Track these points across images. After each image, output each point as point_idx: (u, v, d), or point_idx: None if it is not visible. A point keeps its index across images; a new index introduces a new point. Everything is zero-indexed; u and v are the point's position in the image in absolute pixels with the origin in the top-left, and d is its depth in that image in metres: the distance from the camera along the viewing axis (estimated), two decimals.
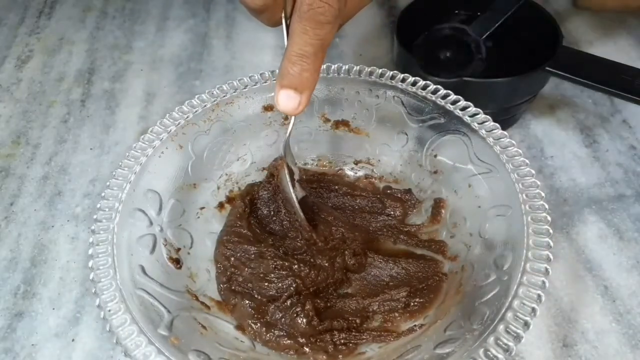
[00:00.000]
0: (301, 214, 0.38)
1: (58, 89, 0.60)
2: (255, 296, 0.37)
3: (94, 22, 0.68)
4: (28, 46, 0.65)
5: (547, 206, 0.31)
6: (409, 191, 0.43)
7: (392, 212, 0.42)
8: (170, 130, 0.39)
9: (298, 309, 0.35)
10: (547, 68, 0.44)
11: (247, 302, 0.36)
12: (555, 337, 0.38)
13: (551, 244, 0.29)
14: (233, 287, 0.38)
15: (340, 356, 0.34)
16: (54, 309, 0.42)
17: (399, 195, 0.43)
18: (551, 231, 0.30)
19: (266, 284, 0.37)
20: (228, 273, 0.38)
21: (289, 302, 0.36)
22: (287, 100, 0.28)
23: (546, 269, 0.28)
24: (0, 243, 0.46)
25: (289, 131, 0.35)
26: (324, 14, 0.25)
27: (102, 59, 0.63)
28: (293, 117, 0.33)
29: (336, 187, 0.44)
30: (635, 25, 0.60)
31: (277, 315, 0.36)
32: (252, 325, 0.35)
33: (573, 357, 0.37)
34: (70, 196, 0.49)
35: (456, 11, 0.54)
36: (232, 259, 0.39)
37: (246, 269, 0.38)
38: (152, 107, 0.57)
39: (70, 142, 0.54)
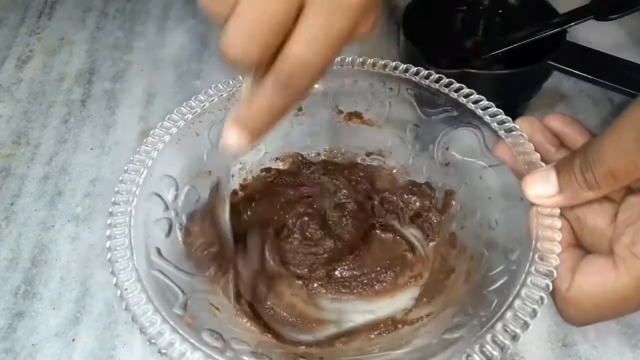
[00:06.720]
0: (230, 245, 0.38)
1: (58, 89, 0.60)
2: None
3: (94, 22, 0.68)
4: (28, 46, 0.65)
5: None
6: (426, 184, 0.43)
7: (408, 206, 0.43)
8: (188, 118, 0.39)
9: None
10: (549, 62, 0.44)
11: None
12: (555, 337, 0.37)
13: (559, 236, 0.29)
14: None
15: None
16: (54, 308, 0.41)
17: (415, 189, 0.43)
18: (559, 225, 0.30)
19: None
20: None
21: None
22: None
23: (554, 260, 0.28)
24: (0, 243, 0.46)
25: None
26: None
27: (103, 59, 0.63)
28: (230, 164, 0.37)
29: (355, 177, 0.44)
30: (635, 25, 0.60)
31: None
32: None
33: (573, 357, 0.37)
34: (70, 196, 0.49)
35: (461, 5, 0.54)
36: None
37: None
38: (153, 108, 0.57)
39: (71, 142, 0.54)
